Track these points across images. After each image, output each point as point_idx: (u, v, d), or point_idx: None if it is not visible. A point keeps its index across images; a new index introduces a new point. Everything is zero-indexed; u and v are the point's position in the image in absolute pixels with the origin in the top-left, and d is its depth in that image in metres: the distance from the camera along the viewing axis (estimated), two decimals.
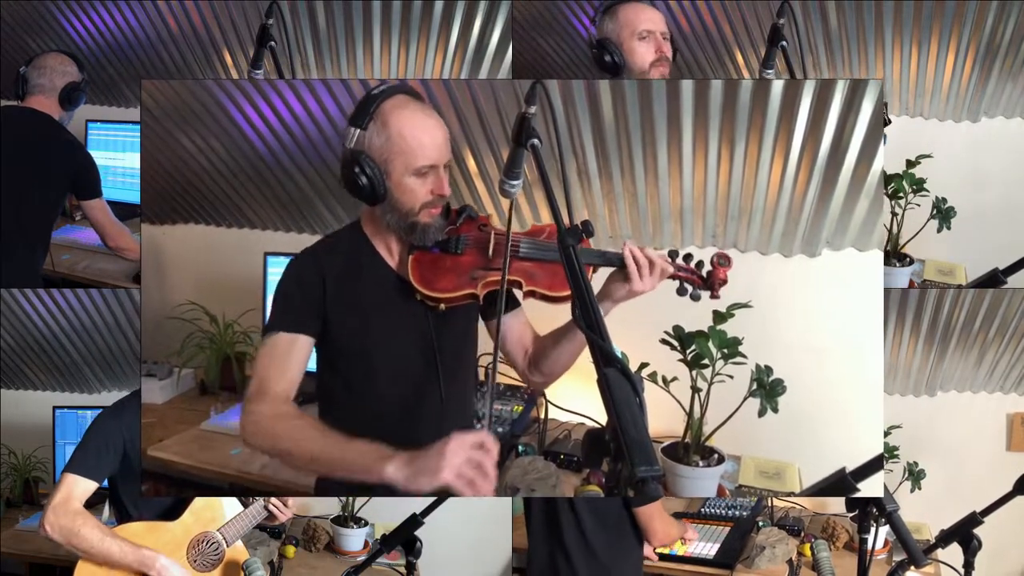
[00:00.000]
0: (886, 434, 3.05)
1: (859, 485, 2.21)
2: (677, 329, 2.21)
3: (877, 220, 2.41)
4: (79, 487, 2.35)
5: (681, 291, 1.93)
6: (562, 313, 1.70)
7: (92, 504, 2.40)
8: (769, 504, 3.24)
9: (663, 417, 2.29)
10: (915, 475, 3.07)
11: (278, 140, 2.64)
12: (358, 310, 1.87)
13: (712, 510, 3.25)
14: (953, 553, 2.29)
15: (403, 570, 2.13)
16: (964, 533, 2.24)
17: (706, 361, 2.18)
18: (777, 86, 2.28)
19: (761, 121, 2.36)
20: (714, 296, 1.94)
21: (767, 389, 2.16)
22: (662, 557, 2.86)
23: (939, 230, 3.06)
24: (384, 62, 3.21)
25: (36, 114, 2.96)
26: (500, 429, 2.63)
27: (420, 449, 1.58)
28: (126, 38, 3.33)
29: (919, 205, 3.04)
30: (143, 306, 2.37)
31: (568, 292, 1.55)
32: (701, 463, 2.27)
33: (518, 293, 1.88)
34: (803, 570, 2.86)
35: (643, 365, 2.24)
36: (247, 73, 2.49)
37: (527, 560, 2.58)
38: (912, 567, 2.09)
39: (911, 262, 3.07)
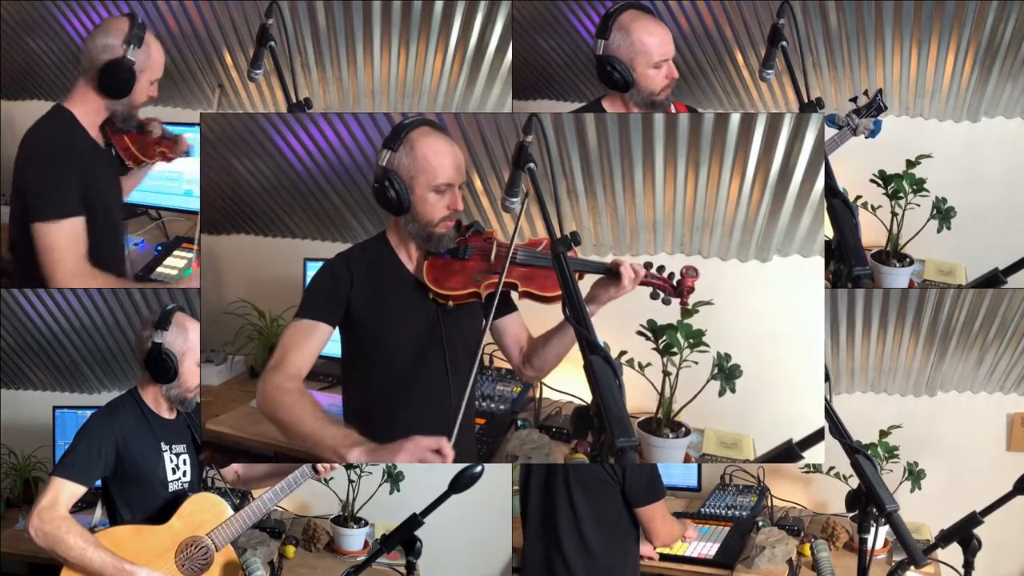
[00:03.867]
0: (886, 434, 3.05)
1: (804, 454, 2.58)
2: (651, 323, 2.58)
3: (819, 231, 2.81)
4: (66, 491, 2.33)
5: (654, 296, 2.23)
6: (553, 315, 2.04)
7: (87, 503, 2.39)
8: (769, 504, 3.24)
9: (639, 396, 2.64)
10: (915, 475, 3.07)
11: (315, 164, 3.06)
12: (380, 304, 2.17)
13: (712, 510, 3.26)
14: (953, 553, 2.29)
15: (403, 570, 2.13)
16: (964, 533, 2.24)
17: (675, 349, 2.56)
18: (735, 118, 2.71)
19: (721, 147, 2.78)
20: (683, 303, 2.26)
21: (726, 373, 2.58)
22: (662, 557, 2.87)
23: (939, 230, 3.06)
24: (384, 62, 3.21)
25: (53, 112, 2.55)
26: (502, 407, 3.01)
27: (419, 423, 1.89)
28: (353, 158, 3.19)
29: (919, 205, 3.04)
30: (202, 303, 2.78)
31: (557, 293, 1.89)
32: (671, 435, 2.62)
33: (514, 294, 2.20)
34: (803, 570, 2.86)
35: (622, 353, 2.64)
36: (247, 73, 2.50)
37: (521, 559, 2.58)
38: (912, 567, 2.09)
39: (911, 262, 3.07)
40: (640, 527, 2.55)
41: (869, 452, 2.07)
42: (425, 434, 1.91)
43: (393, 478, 3.18)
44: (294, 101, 2.12)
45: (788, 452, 2.58)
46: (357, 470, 3.14)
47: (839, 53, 3.24)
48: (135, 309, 3.31)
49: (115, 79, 2.49)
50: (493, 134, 2.83)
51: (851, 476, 1.98)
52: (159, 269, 3.11)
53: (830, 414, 2.04)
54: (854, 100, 2.72)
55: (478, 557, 3.27)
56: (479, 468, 2.19)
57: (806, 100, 2.52)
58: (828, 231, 2.59)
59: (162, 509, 2.47)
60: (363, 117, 2.89)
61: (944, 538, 2.30)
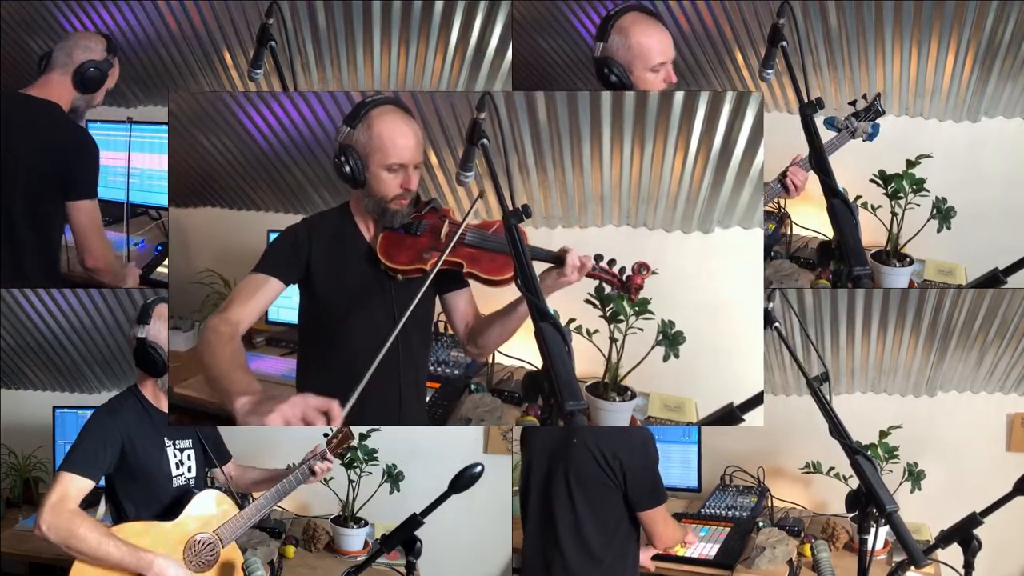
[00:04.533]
0: (886, 434, 3.05)
1: (744, 416, 2.70)
2: (598, 291, 2.70)
3: (759, 204, 2.94)
4: (75, 486, 2.34)
5: (599, 289, 2.36)
6: (503, 296, 2.19)
7: (88, 503, 2.40)
8: (769, 504, 3.24)
9: (587, 362, 2.78)
10: (915, 475, 3.07)
11: (278, 140, 3.17)
12: (337, 270, 2.26)
13: (712, 511, 3.26)
14: (953, 553, 2.29)
15: (403, 570, 2.13)
16: (964, 533, 2.24)
17: (621, 317, 2.70)
18: (679, 96, 2.82)
19: (666, 124, 2.88)
20: (632, 299, 2.33)
21: (670, 339, 2.70)
22: (662, 557, 2.87)
23: (939, 230, 3.06)
24: (384, 62, 3.21)
25: (32, 100, 2.78)
26: (456, 372, 3.13)
27: (368, 391, 1.87)
28: (125, 38, 3.32)
29: (919, 205, 3.04)
30: (171, 273, 2.92)
31: (500, 277, 2.05)
32: (617, 399, 2.74)
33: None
34: (803, 570, 2.86)
35: (571, 320, 2.73)
36: (247, 73, 2.52)
37: (521, 559, 2.58)
38: (912, 567, 2.10)
39: (911, 262, 3.07)
40: (641, 530, 2.55)
41: (869, 452, 2.07)
42: (375, 402, 2.00)
43: (393, 478, 3.18)
44: (510, 209, 2.05)
45: (729, 415, 2.69)
46: (357, 470, 3.14)
47: (839, 53, 3.24)
48: (135, 309, 3.30)
49: (91, 78, 2.76)
50: (448, 112, 2.92)
51: (851, 476, 1.98)
52: (159, 269, 3.11)
53: (830, 414, 2.04)
54: (853, 104, 2.72)
55: (478, 557, 3.28)
56: (479, 468, 2.19)
57: (806, 100, 2.51)
58: (828, 230, 2.59)
59: (168, 506, 2.48)
60: (324, 95, 2.97)
61: (944, 538, 2.29)
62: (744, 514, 3.21)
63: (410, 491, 3.15)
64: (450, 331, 3.17)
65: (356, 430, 2.91)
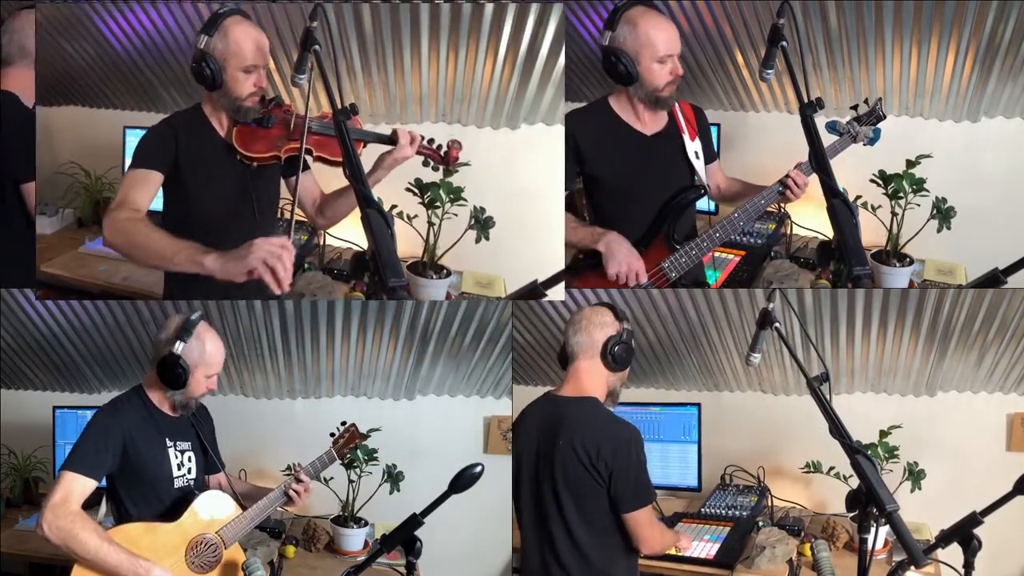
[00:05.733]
0: (886, 434, 3.05)
1: (547, 292, 2.95)
2: (418, 181, 3.03)
3: (560, 103, 3.26)
4: (78, 486, 2.35)
5: (425, 163, 2.74)
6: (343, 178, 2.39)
7: (89, 503, 2.39)
8: (769, 504, 3.24)
9: (407, 244, 3.10)
10: (915, 475, 3.07)
11: (133, 45, 3.47)
12: (197, 163, 2.54)
13: (712, 510, 3.26)
14: (953, 553, 2.29)
15: (403, 570, 2.13)
16: (964, 533, 2.24)
17: (438, 204, 3.06)
18: (489, 8, 3.17)
19: (478, 32, 3.21)
20: (448, 170, 2.84)
21: (481, 223, 3.10)
22: (662, 557, 2.86)
23: (939, 230, 3.06)
24: (432, 67, 3.32)
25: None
26: (294, 252, 3.34)
27: None
28: (165, 42, 3.43)
29: (919, 205, 3.04)
30: (37, 165, 3.20)
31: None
32: (434, 276, 3.12)
33: (309, 158, 2.58)
34: (803, 570, 2.86)
35: (393, 207, 3.04)
36: (291, 78, 2.53)
37: (520, 564, 2.57)
38: (912, 567, 2.09)
39: (911, 262, 3.07)
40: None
41: (869, 452, 2.08)
42: (239, 284, 2.26)
43: (393, 478, 3.18)
44: (339, 107, 2.24)
45: (533, 291, 2.97)
46: (357, 470, 3.14)
47: (839, 53, 3.24)
48: (135, 309, 3.31)
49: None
50: (284, 21, 3.23)
51: (851, 476, 1.98)
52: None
53: (830, 414, 2.04)
54: (855, 108, 2.72)
55: (478, 557, 3.28)
56: (479, 468, 2.19)
57: (806, 100, 2.51)
58: (828, 231, 2.60)
59: (170, 507, 2.48)
60: (172, 5, 3.29)
61: (944, 538, 2.29)
62: (744, 514, 3.21)
63: (410, 491, 3.16)
64: (284, 215, 3.35)
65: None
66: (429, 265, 3.12)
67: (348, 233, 3.22)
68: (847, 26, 3.16)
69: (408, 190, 3.05)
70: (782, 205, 3.11)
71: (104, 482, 2.46)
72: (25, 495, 3.49)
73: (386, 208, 2.24)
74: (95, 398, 3.62)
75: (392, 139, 2.61)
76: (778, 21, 2.50)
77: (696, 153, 2.75)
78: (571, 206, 2.82)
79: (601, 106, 2.73)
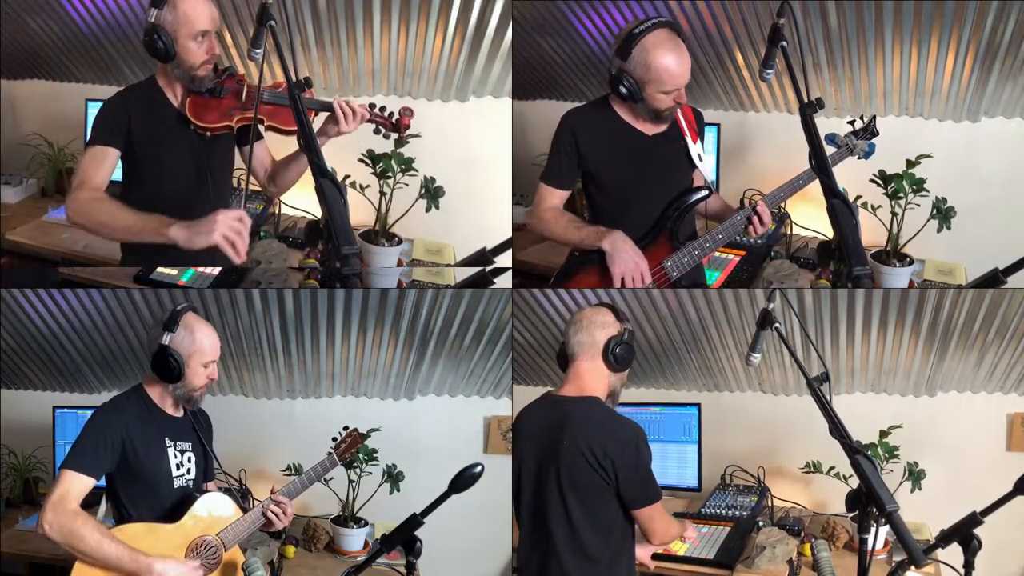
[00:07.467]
0: (886, 434, 3.05)
1: (495, 260, 3.11)
2: (370, 152, 3.15)
3: (507, 77, 3.39)
4: (77, 484, 2.35)
5: (376, 131, 2.78)
6: (292, 145, 2.61)
7: (89, 503, 2.39)
8: (769, 504, 3.24)
9: (360, 212, 3.22)
10: (915, 475, 3.07)
11: (94, 20, 3.54)
12: (152, 134, 2.63)
13: (712, 510, 3.26)
14: (953, 553, 2.29)
15: (403, 570, 2.14)
16: (964, 533, 2.24)
17: (390, 174, 3.16)
18: None
19: (428, 7, 3.29)
20: (400, 138, 2.86)
21: (431, 193, 3.23)
22: (662, 557, 2.87)
23: (939, 230, 3.06)
24: (384, 41, 3.36)
25: None
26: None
27: None
28: (126, 17, 3.48)
29: (919, 205, 3.04)
30: (2, 136, 3.47)
31: (296, 128, 2.31)
32: (386, 244, 3.23)
33: (261, 127, 2.63)
34: (803, 570, 2.86)
35: (346, 177, 3.15)
36: (246, 52, 2.57)
37: (518, 561, 2.57)
38: (912, 567, 2.09)
39: (911, 262, 3.08)
40: (636, 527, 2.54)
41: (869, 452, 2.08)
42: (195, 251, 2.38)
43: (393, 478, 3.18)
44: (294, 80, 2.29)
45: (482, 258, 3.13)
46: (357, 470, 3.14)
47: (839, 53, 3.24)
48: (135, 309, 3.31)
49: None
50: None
51: (851, 476, 1.98)
52: (160, 269, 3.11)
53: (830, 414, 2.04)
54: (852, 123, 2.75)
55: (478, 557, 3.28)
56: (479, 468, 2.19)
57: (806, 100, 2.51)
58: (828, 231, 2.60)
59: (170, 507, 2.48)
60: None
61: (944, 538, 2.29)
62: (744, 514, 3.21)
63: (410, 491, 3.16)
64: (240, 185, 3.38)
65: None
66: (381, 233, 3.23)
67: (302, 202, 3.28)
68: (847, 26, 3.16)
69: (361, 160, 3.16)
70: (782, 205, 3.11)
71: (104, 481, 2.46)
72: (25, 495, 3.49)
73: (339, 178, 2.34)
74: (95, 398, 3.62)
75: (334, 110, 2.66)
76: (778, 21, 2.50)
77: (699, 155, 2.76)
78: (571, 205, 2.82)
79: (602, 105, 2.73)
